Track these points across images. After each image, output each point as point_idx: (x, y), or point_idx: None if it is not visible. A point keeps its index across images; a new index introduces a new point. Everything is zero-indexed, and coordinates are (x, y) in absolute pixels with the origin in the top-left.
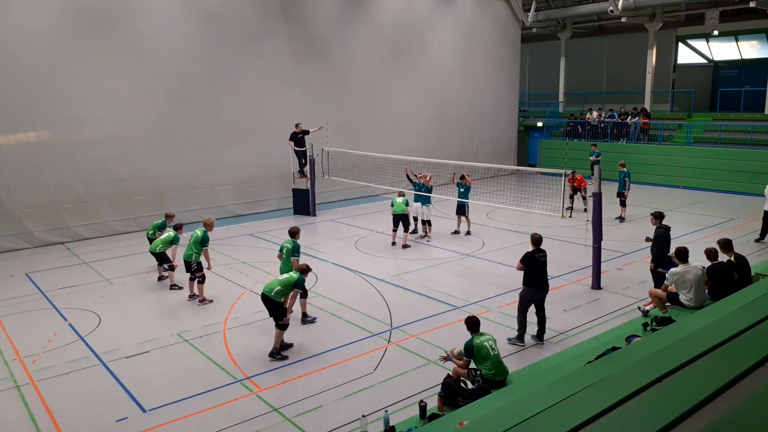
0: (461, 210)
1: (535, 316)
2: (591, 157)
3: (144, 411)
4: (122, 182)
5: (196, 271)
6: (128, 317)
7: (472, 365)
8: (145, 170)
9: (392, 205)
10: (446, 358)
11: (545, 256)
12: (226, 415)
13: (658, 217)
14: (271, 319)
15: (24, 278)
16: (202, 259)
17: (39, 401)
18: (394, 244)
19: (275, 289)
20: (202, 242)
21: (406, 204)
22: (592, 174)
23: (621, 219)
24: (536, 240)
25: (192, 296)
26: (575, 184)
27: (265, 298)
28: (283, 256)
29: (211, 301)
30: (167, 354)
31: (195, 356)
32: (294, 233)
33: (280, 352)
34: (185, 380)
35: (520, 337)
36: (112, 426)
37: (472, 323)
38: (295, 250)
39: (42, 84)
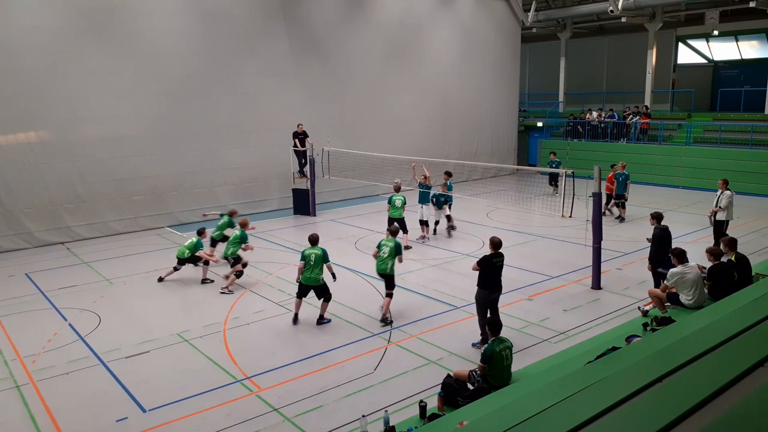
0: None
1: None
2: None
3: (144, 411)
4: (122, 182)
5: (233, 265)
6: (128, 317)
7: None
8: (145, 170)
9: (389, 203)
10: None
11: (502, 260)
12: (226, 415)
13: (655, 217)
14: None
15: (24, 278)
16: (240, 253)
17: (39, 401)
18: None
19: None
20: (242, 240)
21: (404, 203)
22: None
23: (621, 219)
24: (496, 244)
25: (226, 288)
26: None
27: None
28: (312, 262)
29: (231, 292)
30: (167, 354)
31: (195, 356)
32: (315, 240)
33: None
34: (185, 380)
35: (484, 340)
36: (112, 426)
37: (495, 326)
38: (326, 257)
39: (42, 84)
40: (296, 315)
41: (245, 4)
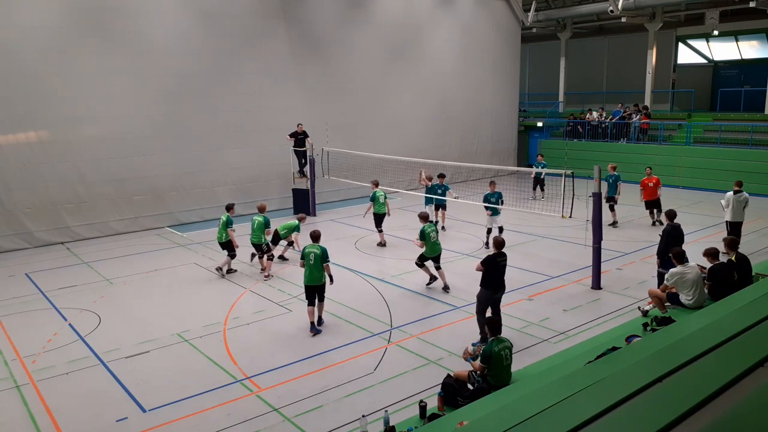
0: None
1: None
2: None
3: (144, 411)
4: (122, 182)
5: (267, 250)
6: (128, 317)
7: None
8: (145, 170)
9: (372, 200)
10: (466, 359)
11: (505, 260)
12: (226, 415)
13: (667, 215)
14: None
15: (24, 278)
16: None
17: (39, 401)
18: (383, 244)
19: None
20: (266, 225)
21: (386, 198)
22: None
23: (614, 224)
24: (499, 244)
25: (266, 274)
26: (646, 194)
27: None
28: (311, 261)
29: (272, 276)
30: (167, 354)
31: (195, 356)
32: (316, 237)
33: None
34: (185, 380)
35: (484, 339)
36: (112, 426)
37: (494, 326)
38: (325, 256)
39: (42, 84)
40: (313, 324)
41: (245, 4)
